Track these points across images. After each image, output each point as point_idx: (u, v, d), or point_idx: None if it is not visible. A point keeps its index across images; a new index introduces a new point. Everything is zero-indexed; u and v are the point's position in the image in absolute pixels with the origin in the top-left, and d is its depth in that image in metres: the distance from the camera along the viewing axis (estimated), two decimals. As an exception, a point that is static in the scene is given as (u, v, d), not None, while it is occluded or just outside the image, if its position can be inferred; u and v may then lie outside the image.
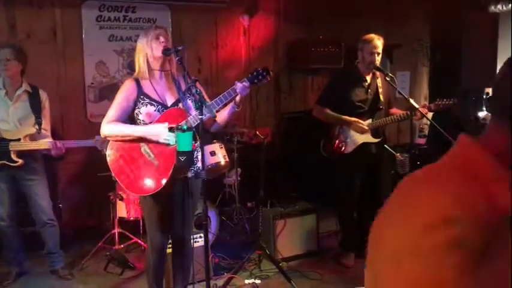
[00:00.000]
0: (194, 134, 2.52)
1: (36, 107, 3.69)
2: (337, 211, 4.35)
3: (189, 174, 2.79)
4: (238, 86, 2.76)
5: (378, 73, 3.97)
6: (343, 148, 3.98)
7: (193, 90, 2.58)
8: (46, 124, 3.74)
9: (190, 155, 2.45)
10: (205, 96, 2.72)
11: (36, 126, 3.62)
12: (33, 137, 3.59)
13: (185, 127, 2.39)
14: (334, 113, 3.98)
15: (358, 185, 4.00)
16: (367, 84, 3.97)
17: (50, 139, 3.61)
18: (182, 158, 2.39)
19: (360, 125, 3.89)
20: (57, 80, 4.95)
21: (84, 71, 5.07)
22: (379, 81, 4.00)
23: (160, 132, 2.67)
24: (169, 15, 5.39)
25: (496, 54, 4.80)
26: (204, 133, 2.52)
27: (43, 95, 3.79)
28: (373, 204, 4.13)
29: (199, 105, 2.46)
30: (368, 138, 3.94)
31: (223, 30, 5.70)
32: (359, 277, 2.97)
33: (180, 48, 2.73)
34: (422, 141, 5.43)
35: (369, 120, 3.93)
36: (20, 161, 3.55)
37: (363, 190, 4.03)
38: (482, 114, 5.20)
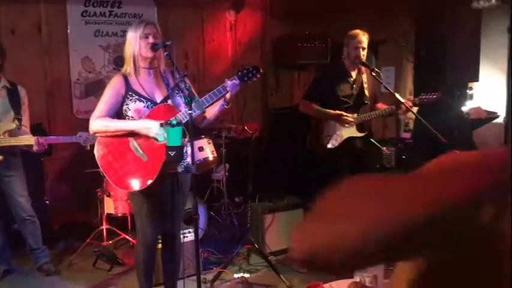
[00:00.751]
0: (183, 129, 2.53)
1: (15, 103, 3.64)
2: None
3: (179, 169, 2.80)
4: (229, 83, 2.78)
5: (363, 68, 4.02)
6: (329, 143, 4.03)
7: (182, 85, 2.60)
8: (25, 120, 3.70)
9: (179, 149, 2.46)
10: (194, 92, 2.73)
11: (16, 122, 3.58)
12: (12, 133, 3.55)
13: (174, 122, 2.40)
14: (321, 108, 4.03)
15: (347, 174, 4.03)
16: (352, 79, 4.03)
17: (29, 135, 3.58)
18: (172, 153, 2.40)
19: (345, 117, 3.93)
20: (43, 76, 4.91)
21: (69, 67, 5.03)
22: (364, 77, 4.05)
23: (151, 126, 2.67)
24: (155, 10, 5.37)
25: (479, 50, 4.88)
26: (194, 129, 2.53)
27: (22, 91, 3.74)
28: None
29: (189, 101, 2.47)
30: (353, 132, 3.99)
31: (210, 25, 5.70)
32: (347, 269, 3.01)
33: (168, 43, 2.73)
34: (407, 135, 5.50)
35: (354, 115, 3.98)
36: (0, 157, 3.52)
37: None
38: (466, 108, 5.29)
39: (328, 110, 3.99)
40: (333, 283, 2.46)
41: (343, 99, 3.99)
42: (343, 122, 3.97)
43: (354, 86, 4.02)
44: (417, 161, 5.15)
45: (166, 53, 2.74)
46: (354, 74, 4.04)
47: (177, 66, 2.71)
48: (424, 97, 3.83)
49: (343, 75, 4.03)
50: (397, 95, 3.61)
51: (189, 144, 2.67)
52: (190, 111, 2.46)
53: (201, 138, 4.23)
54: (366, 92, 4.02)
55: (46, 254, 3.93)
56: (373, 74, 3.75)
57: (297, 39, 5.80)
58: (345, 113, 3.94)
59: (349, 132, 3.99)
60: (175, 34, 5.43)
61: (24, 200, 3.75)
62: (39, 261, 3.88)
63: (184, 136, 2.53)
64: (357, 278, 2.32)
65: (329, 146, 4.02)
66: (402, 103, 3.60)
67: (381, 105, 4.07)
